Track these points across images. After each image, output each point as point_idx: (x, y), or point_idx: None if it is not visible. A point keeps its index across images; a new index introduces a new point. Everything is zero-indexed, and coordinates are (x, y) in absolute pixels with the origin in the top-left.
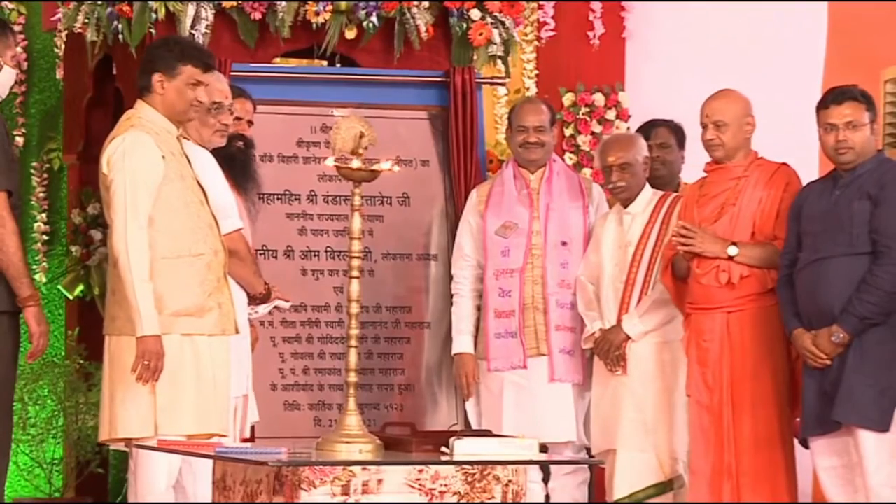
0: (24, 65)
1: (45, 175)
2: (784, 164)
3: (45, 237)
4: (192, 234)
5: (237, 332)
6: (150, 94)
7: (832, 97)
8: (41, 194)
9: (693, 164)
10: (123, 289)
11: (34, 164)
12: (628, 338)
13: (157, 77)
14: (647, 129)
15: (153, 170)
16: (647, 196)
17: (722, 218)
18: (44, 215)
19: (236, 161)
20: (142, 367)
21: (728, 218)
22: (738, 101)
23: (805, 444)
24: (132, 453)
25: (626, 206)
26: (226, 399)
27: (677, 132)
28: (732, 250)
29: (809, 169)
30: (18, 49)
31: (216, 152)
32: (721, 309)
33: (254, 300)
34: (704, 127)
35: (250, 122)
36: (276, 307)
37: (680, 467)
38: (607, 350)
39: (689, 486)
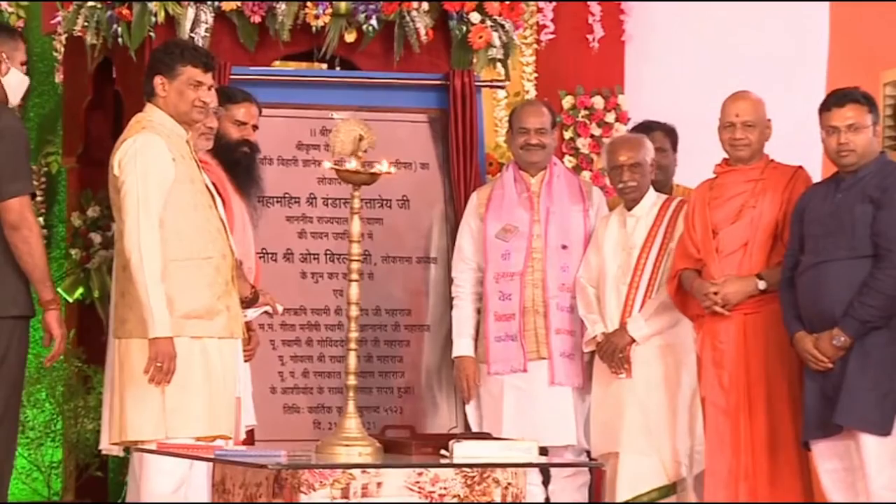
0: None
1: (44, 179)
2: (800, 167)
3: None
4: (201, 236)
5: (245, 335)
6: (155, 97)
7: (834, 100)
8: (39, 198)
9: (688, 167)
10: (135, 291)
11: (32, 167)
12: (633, 340)
13: (158, 80)
14: (642, 132)
15: (164, 171)
16: (652, 199)
17: (741, 220)
18: (41, 219)
19: (240, 166)
20: (154, 368)
21: (748, 220)
22: (761, 103)
23: (806, 447)
24: (134, 457)
25: (629, 209)
26: (232, 401)
27: (671, 135)
28: (762, 285)
29: (813, 171)
30: None
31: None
32: (737, 311)
33: (241, 303)
34: (730, 126)
35: (255, 127)
36: (266, 313)
37: (683, 470)
38: (611, 353)
39: (705, 487)
